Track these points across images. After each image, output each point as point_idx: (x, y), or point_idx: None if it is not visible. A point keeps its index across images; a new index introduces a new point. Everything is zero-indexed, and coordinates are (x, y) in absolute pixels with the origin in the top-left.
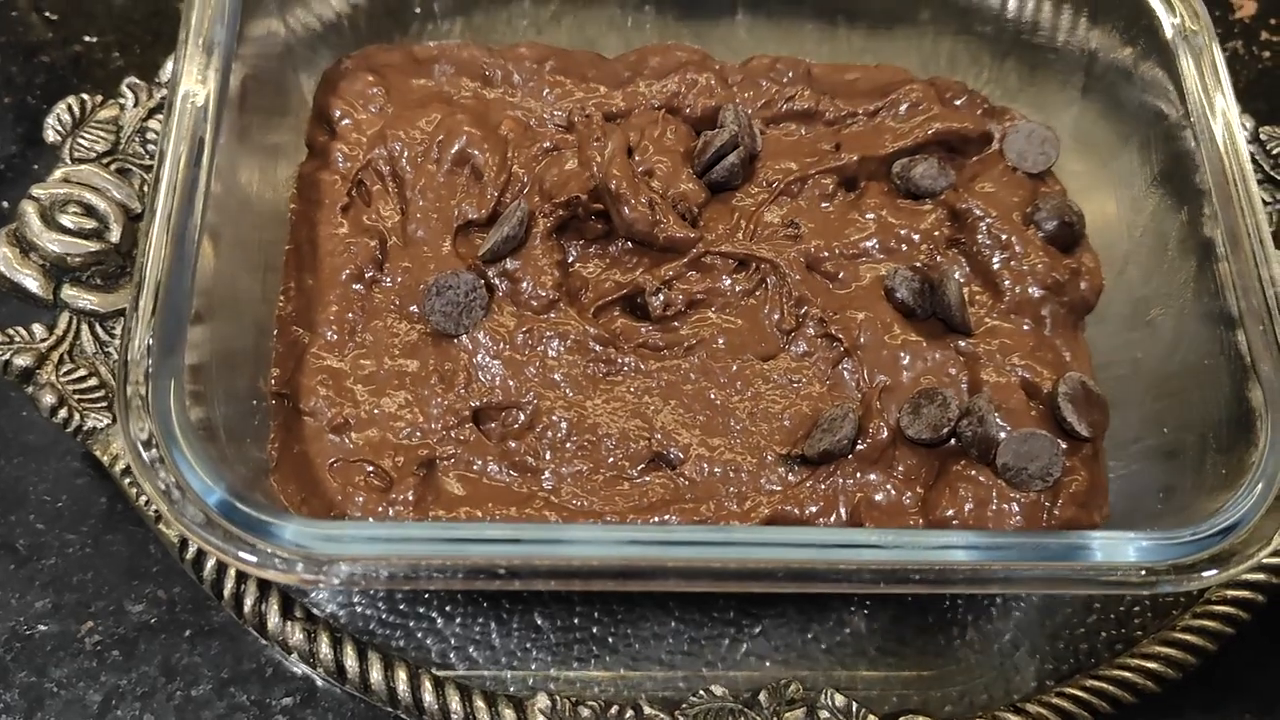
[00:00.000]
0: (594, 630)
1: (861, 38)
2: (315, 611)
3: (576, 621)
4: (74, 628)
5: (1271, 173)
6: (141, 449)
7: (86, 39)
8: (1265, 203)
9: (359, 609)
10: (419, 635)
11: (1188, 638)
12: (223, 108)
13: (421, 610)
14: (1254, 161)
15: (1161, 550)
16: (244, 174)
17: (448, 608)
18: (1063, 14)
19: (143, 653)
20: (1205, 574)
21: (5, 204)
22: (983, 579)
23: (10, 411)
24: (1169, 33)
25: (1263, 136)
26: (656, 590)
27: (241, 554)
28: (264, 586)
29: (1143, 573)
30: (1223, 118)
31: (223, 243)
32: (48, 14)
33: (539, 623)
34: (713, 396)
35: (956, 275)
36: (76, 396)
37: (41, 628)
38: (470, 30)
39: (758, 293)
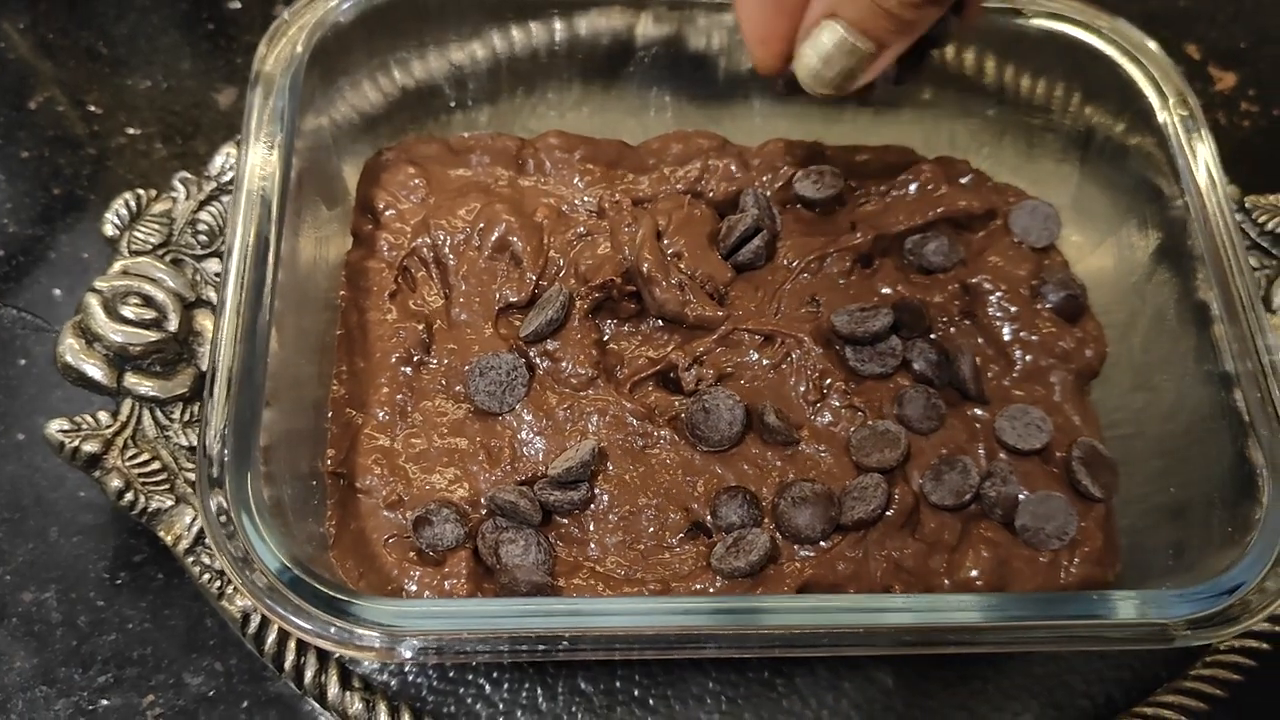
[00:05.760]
0: (635, 693)
1: (868, 117)
2: (369, 680)
3: (618, 684)
4: (136, 701)
5: (1258, 240)
6: (223, 534)
7: (129, 131)
8: (1254, 268)
9: (409, 676)
10: (468, 701)
11: (1199, 686)
12: (285, 201)
13: (470, 677)
14: (1240, 229)
15: (1176, 606)
16: (301, 263)
17: (494, 674)
18: (1056, 97)
19: None
20: (1221, 630)
21: (58, 291)
22: (1008, 639)
23: (66, 492)
24: (1161, 117)
25: (1248, 205)
26: (699, 657)
27: (325, 631)
28: (323, 657)
29: (1160, 629)
30: (1215, 194)
31: (285, 330)
32: (91, 107)
33: (582, 686)
34: (745, 467)
35: (970, 348)
36: (141, 480)
37: (104, 702)
38: (497, 116)
39: (783, 366)
